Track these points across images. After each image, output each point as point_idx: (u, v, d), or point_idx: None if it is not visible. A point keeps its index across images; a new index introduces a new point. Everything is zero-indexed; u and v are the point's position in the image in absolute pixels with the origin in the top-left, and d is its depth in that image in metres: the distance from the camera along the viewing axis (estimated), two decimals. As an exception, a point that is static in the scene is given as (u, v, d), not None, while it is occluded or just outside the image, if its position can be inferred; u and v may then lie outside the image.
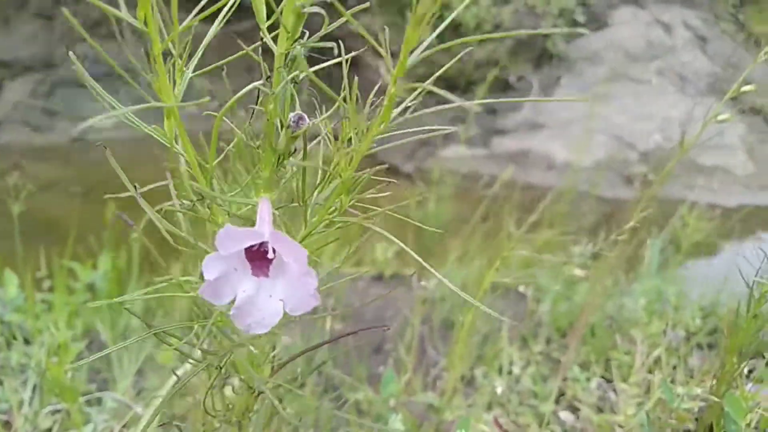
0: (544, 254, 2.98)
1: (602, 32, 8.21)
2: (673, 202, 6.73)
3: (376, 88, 0.71)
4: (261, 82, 0.59)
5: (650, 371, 1.56)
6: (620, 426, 1.21)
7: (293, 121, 0.58)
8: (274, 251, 0.51)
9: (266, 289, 0.52)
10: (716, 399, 1.03)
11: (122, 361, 1.71)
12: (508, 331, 2.06)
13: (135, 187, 0.71)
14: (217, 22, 0.64)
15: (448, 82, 7.53)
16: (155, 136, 0.63)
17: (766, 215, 6.31)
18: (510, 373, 1.71)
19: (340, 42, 0.69)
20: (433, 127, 0.72)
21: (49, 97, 8.17)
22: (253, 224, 0.56)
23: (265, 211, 0.54)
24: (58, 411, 1.41)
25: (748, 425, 1.05)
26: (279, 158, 0.66)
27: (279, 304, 0.50)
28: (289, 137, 0.64)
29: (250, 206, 0.68)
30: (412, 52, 0.57)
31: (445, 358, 1.45)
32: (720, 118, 1.73)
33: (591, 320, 2.20)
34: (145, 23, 0.56)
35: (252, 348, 0.69)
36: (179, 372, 1.20)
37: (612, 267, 2.82)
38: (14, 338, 2.01)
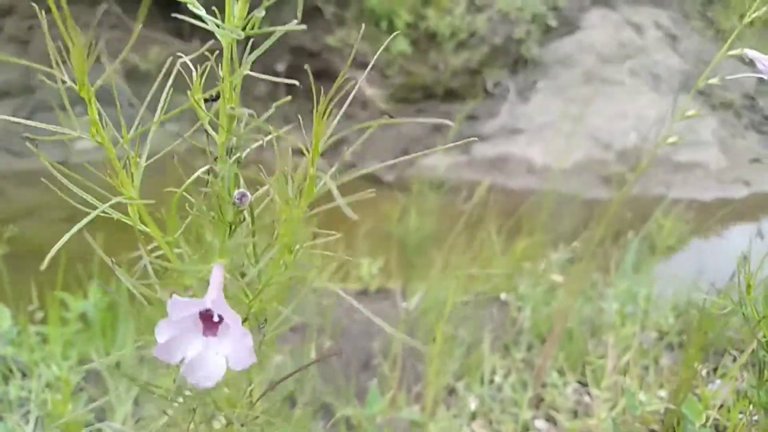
0: (525, 261, 3.08)
1: (574, 35, 8.39)
2: (651, 200, 6.89)
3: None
4: (208, 166, 0.67)
5: (623, 374, 1.66)
6: (591, 431, 1.31)
7: (237, 198, 0.66)
8: (218, 316, 0.59)
9: (213, 348, 0.59)
10: (673, 406, 1.12)
11: (119, 389, 1.77)
12: (491, 340, 2.15)
13: (112, 260, 0.79)
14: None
15: (426, 91, 7.65)
16: (123, 218, 0.71)
17: (741, 208, 6.48)
18: (492, 382, 1.80)
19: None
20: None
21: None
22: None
23: (215, 278, 0.62)
24: (59, 445, 1.47)
25: (705, 425, 1.14)
26: (230, 228, 0.74)
27: (223, 360, 0.58)
28: (236, 211, 0.73)
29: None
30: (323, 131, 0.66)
31: (425, 376, 1.53)
32: (688, 113, 1.80)
33: (568, 325, 2.30)
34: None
35: (226, 389, 0.77)
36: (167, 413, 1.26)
37: (588, 271, 2.93)
38: (11, 372, 2.06)
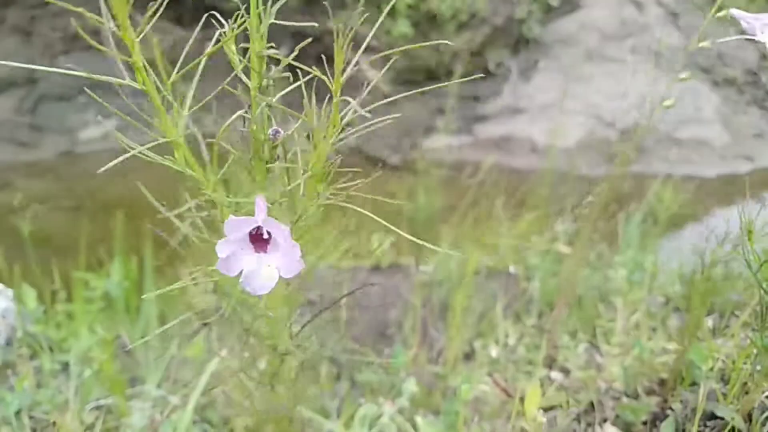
0: (531, 234, 3.15)
1: (576, 14, 8.38)
2: (653, 177, 6.92)
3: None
4: (242, 111, 0.74)
5: (631, 334, 1.73)
6: (604, 380, 1.38)
7: (271, 135, 0.73)
8: (268, 233, 0.66)
9: (265, 261, 0.68)
10: (681, 348, 1.19)
11: (148, 361, 1.85)
12: (502, 309, 2.22)
13: (162, 204, 0.85)
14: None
15: (428, 72, 7.67)
16: (172, 165, 0.78)
17: (742, 183, 6.51)
18: (506, 345, 1.87)
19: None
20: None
21: (34, 112, 8.20)
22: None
23: (260, 204, 0.69)
24: (99, 407, 1.55)
25: (711, 369, 1.22)
26: (267, 164, 0.81)
27: (275, 271, 0.66)
28: (271, 147, 0.80)
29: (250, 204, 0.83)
30: (343, 71, 0.73)
31: (445, 335, 1.59)
32: (682, 76, 1.83)
33: (578, 292, 2.37)
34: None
35: (270, 314, 0.84)
36: (211, 366, 1.34)
37: (594, 241, 3.00)
38: (41, 347, 2.14)
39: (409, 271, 2.61)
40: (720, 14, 1.54)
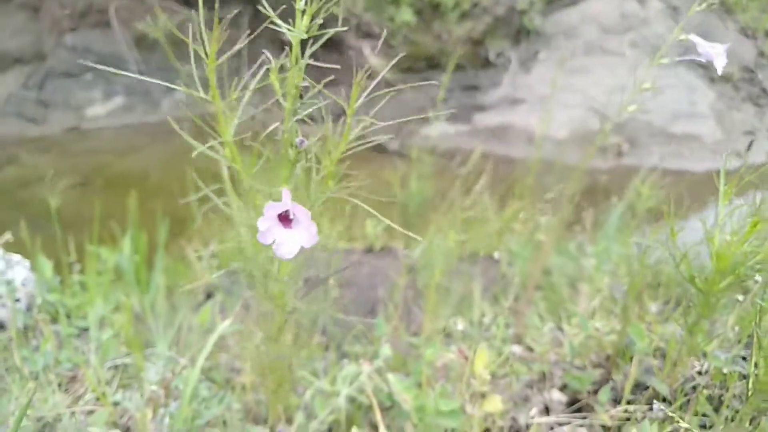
0: (515, 223, 3.34)
1: (577, 6, 8.48)
2: (645, 170, 7.06)
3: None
4: (277, 123, 0.93)
5: (591, 315, 1.93)
6: (556, 354, 1.58)
7: (299, 143, 0.93)
8: (294, 214, 0.88)
9: (290, 235, 0.90)
10: (619, 328, 1.39)
11: (158, 328, 2.05)
12: (482, 290, 2.42)
13: (203, 185, 1.04)
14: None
15: (430, 61, 7.81)
16: (219, 158, 0.96)
17: (729, 179, 6.67)
18: (481, 323, 2.07)
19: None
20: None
21: (42, 88, 8.35)
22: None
23: (286, 194, 0.89)
24: (116, 366, 1.75)
25: (650, 347, 1.41)
26: (293, 164, 1.01)
27: (298, 242, 0.88)
28: (297, 152, 1.00)
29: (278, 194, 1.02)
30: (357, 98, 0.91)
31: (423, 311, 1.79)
32: (662, 61, 1.97)
33: (553, 279, 2.57)
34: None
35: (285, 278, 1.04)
36: (218, 330, 1.54)
37: (576, 231, 3.19)
38: (57, 314, 2.34)
39: (398, 254, 2.81)
40: (681, 38, 1.71)
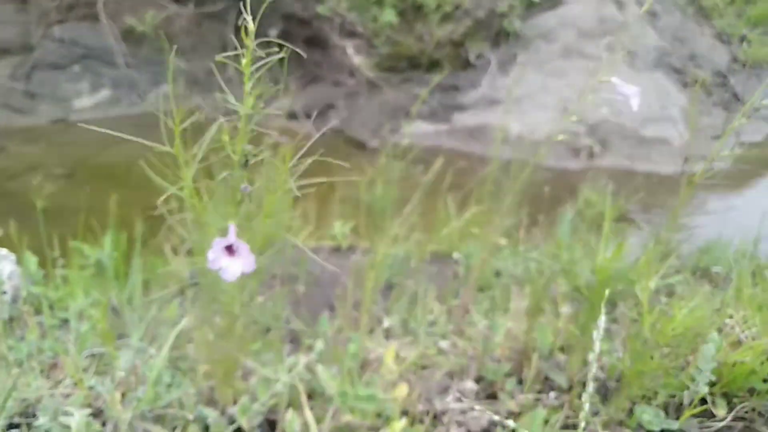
0: (475, 224, 3.56)
1: (557, 10, 8.70)
2: (616, 173, 7.35)
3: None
4: (227, 173, 1.14)
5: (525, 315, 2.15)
6: (474, 348, 1.80)
7: (243, 189, 1.13)
8: (236, 247, 1.08)
9: (234, 262, 1.10)
10: (524, 328, 1.62)
11: (133, 320, 2.25)
12: (436, 289, 2.65)
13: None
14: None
15: (412, 61, 8.01)
16: (178, 193, 1.16)
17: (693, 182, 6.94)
18: (426, 320, 2.29)
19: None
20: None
21: (29, 80, 8.45)
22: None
23: (231, 229, 1.09)
24: (93, 355, 1.96)
25: (554, 344, 1.64)
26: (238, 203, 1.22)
27: (239, 268, 1.08)
28: (241, 196, 1.20)
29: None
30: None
31: (362, 308, 2.00)
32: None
33: (502, 280, 2.80)
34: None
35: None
36: (180, 324, 1.75)
37: (534, 234, 3.42)
38: (41, 305, 2.54)
39: (363, 254, 3.03)
40: (602, 79, 1.91)
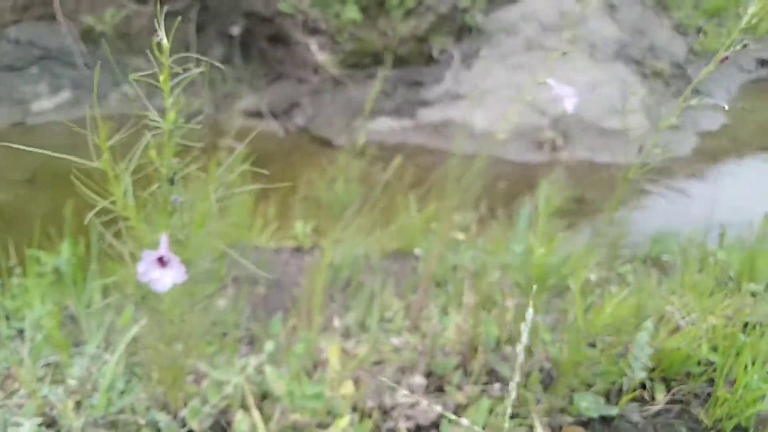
0: (434, 220, 3.62)
1: (518, 4, 8.82)
2: (576, 164, 7.49)
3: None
4: (156, 186, 1.16)
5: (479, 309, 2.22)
6: (423, 344, 1.86)
7: (174, 201, 1.15)
8: (167, 258, 1.10)
9: (165, 273, 1.11)
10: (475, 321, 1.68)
11: (90, 327, 2.26)
12: (395, 285, 2.70)
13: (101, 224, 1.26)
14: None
15: (376, 57, 8.03)
16: (111, 207, 1.18)
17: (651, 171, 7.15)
18: (383, 317, 2.34)
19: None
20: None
21: (-16, 83, 8.24)
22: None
23: (163, 240, 1.12)
24: (48, 364, 1.96)
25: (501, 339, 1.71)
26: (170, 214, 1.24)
27: (171, 279, 1.10)
28: (173, 207, 1.22)
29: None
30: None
31: (311, 307, 2.04)
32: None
33: (457, 274, 2.86)
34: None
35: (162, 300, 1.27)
36: (131, 331, 1.77)
37: (494, 228, 3.49)
38: (-3, 316, 2.51)
39: (322, 254, 3.06)
40: (540, 81, 1.97)
